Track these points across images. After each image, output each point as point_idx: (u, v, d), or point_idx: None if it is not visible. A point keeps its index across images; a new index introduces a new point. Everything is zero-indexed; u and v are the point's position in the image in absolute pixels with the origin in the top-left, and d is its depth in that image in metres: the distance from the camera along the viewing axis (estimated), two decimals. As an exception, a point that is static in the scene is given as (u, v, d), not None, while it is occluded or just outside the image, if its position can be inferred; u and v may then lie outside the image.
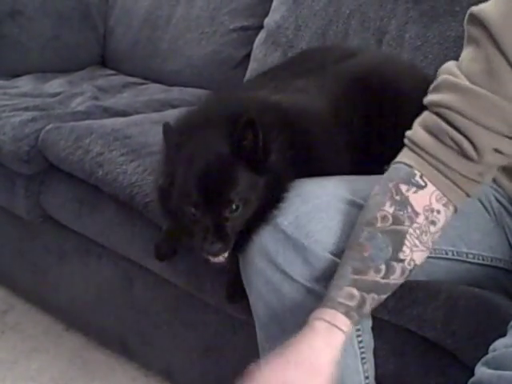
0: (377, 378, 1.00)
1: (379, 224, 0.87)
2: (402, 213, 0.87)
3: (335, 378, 0.82)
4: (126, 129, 1.59)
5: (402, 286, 1.02)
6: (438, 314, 0.98)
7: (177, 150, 1.00)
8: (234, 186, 0.96)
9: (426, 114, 0.91)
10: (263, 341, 1.01)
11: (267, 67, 1.49)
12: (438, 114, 0.89)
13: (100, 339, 1.71)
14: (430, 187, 0.89)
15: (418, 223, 0.87)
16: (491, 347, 0.78)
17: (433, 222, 0.88)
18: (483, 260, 1.06)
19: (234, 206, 0.97)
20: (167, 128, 1.02)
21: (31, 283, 1.84)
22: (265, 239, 0.96)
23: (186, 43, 2.12)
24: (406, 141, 0.92)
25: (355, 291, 0.84)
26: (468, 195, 0.91)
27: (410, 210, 0.87)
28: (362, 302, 0.85)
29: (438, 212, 0.89)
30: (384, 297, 0.89)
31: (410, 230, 0.87)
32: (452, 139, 0.87)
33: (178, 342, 1.48)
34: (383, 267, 0.86)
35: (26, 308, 1.87)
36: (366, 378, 0.98)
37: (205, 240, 0.96)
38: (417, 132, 0.90)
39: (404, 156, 0.91)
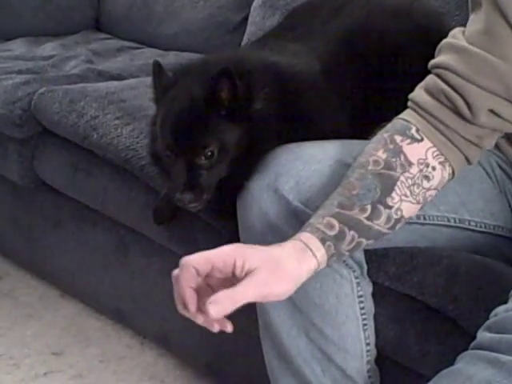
0: (376, 345, 0.99)
1: (370, 167, 0.86)
2: (394, 159, 0.86)
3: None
4: (121, 92, 1.57)
5: (403, 252, 1.02)
6: (439, 279, 0.97)
7: (163, 92, 1.04)
8: (205, 131, 0.97)
9: (428, 77, 0.91)
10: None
11: (265, 31, 1.47)
12: (437, 75, 0.88)
13: (95, 306, 1.70)
14: (427, 142, 0.87)
15: (410, 173, 0.86)
16: (492, 313, 0.77)
17: (426, 177, 0.87)
18: (485, 228, 1.04)
19: (208, 152, 0.97)
20: (156, 65, 1.05)
21: (26, 250, 1.83)
22: (265, 204, 0.94)
23: (182, 6, 2.08)
24: (408, 103, 0.91)
25: (336, 223, 0.82)
26: (468, 160, 0.89)
27: (402, 158, 0.86)
28: (341, 236, 0.82)
29: (434, 169, 0.87)
30: (365, 242, 0.85)
31: (402, 178, 0.85)
32: (447, 98, 0.86)
33: (175, 309, 1.45)
34: (369, 208, 0.84)
35: (20, 274, 1.85)
36: (367, 344, 0.97)
37: (176, 188, 0.97)
38: (418, 93, 0.90)
39: (404, 114, 0.91)
